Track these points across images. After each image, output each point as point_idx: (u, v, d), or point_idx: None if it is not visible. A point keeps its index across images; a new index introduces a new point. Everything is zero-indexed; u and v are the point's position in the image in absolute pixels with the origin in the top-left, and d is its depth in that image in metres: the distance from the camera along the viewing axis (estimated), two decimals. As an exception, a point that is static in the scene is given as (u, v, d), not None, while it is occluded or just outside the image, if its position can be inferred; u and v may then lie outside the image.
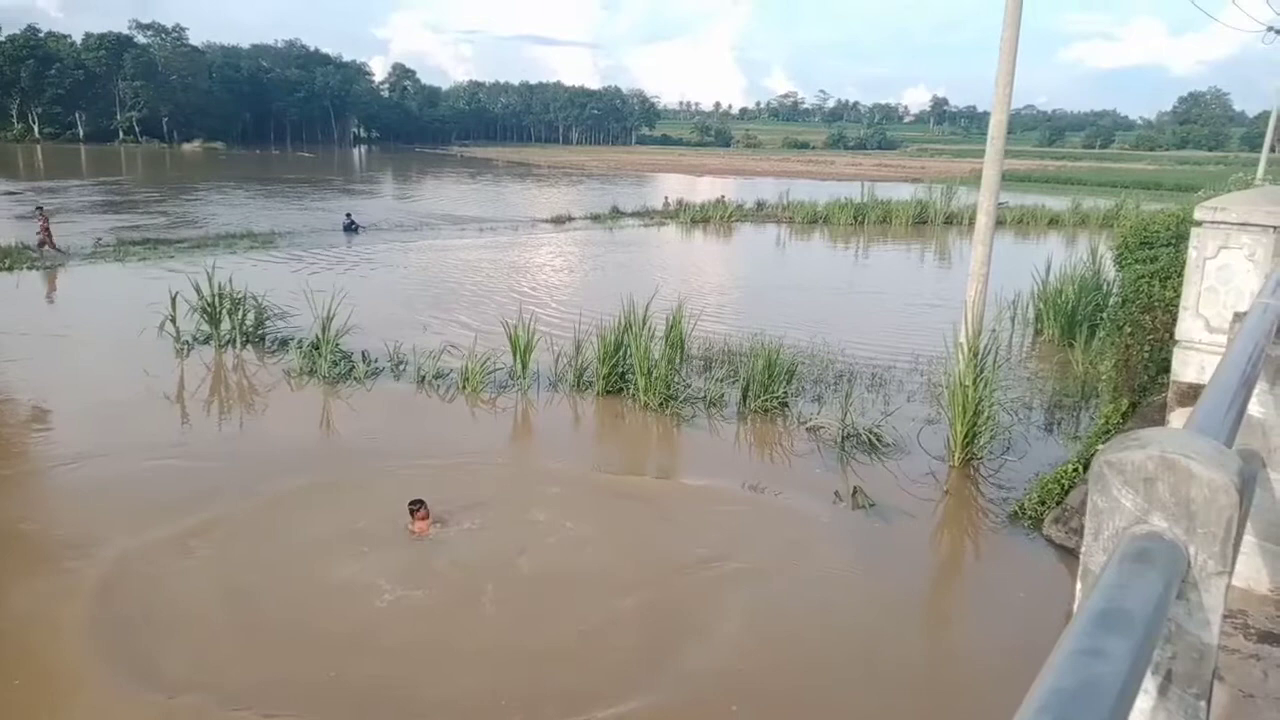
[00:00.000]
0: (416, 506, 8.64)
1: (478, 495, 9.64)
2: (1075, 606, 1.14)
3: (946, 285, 22.41)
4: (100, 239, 26.23)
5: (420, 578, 8.00)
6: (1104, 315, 15.15)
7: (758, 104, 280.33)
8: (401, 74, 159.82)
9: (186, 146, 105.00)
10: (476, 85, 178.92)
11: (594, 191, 55.74)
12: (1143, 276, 10.81)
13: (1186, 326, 4.83)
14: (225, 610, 7.39)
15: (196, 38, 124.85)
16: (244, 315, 15.48)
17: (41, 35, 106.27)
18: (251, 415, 12.62)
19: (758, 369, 12.63)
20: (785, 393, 12.61)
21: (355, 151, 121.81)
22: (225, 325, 15.33)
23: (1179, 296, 4.98)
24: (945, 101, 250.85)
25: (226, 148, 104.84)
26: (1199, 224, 4.72)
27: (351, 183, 61.22)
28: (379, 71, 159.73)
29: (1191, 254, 4.78)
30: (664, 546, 8.83)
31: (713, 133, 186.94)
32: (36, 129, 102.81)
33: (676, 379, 13.06)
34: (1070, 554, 8.36)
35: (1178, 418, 4.90)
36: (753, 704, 6.38)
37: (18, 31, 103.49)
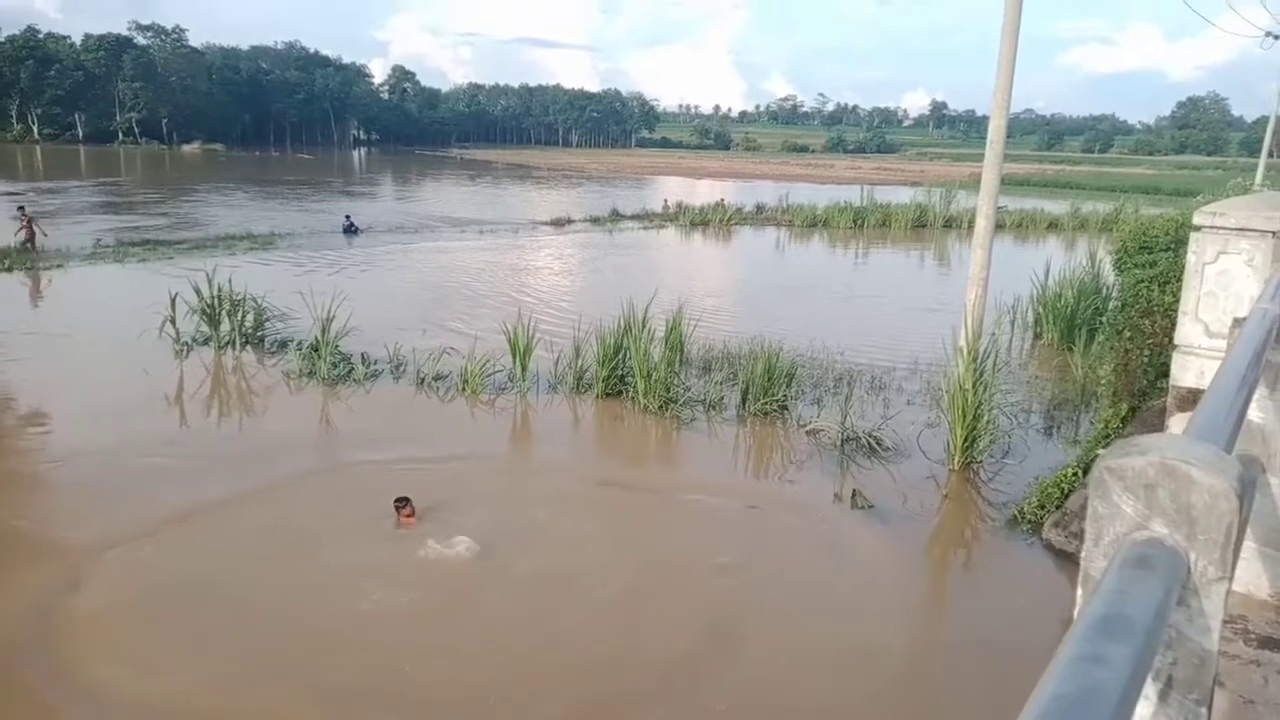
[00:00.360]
0: (402, 504, 8.79)
1: (474, 494, 9.67)
2: (1076, 612, 1.14)
3: (946, 289, 22.43)
4: (100, 240, 26.25)
5: (408, 576, 8.00)
6: (1103, 320, 15.16)
7: (757, 107, 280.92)
8: (401, 76, 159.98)
9: (186, 148, 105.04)
10: (476, 88, 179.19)
11: (593, 194, 55.77)
12: (1142, 281, 10.84)
13: (1185, 331, 4.84)
14: (199, 603, 7.42)
15: (196, 39, 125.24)
16: (243, 317, 15.48)
17: (41, 36, 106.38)
18: (250, 416, 12.62)
19: (757, 372, 12.64)
20: (785, 396, 12.62)
21: (355, 153, 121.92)
22: (225, 327, 15.33)
23: (1178, 301, 4.98)
24: (944, 105, 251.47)
25: (226, 149, 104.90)
26: (1198, 229, 4.72)
27: (351, 185, 61.26)
28: (379, 74, 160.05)
29: (1190, 259, 4.79)
30: (661, 547, 8.83)
31: (712, 136, 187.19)
32: (36, 130, 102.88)
33: (676, 382, 13.06)
34: (1069, 558, 8.36)
35: (1177, 422, 4.90)
36: (746, 704, 6.38)
37: (17, 32, 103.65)
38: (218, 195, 45.98)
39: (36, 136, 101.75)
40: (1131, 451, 1.22)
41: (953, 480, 10.54)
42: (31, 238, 23.80)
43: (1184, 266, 4.92)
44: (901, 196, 45.03)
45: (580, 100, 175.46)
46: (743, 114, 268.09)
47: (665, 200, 43.63)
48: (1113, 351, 11.66)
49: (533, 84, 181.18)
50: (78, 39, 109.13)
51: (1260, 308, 3.01)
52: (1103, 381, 12.04)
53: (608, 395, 13.13)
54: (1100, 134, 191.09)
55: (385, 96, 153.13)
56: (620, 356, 13.25)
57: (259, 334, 15.58)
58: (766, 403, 12.39)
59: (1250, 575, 3.35)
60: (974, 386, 10.58)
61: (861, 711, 6.53)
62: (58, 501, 9.57)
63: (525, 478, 10.75)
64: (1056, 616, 7.52)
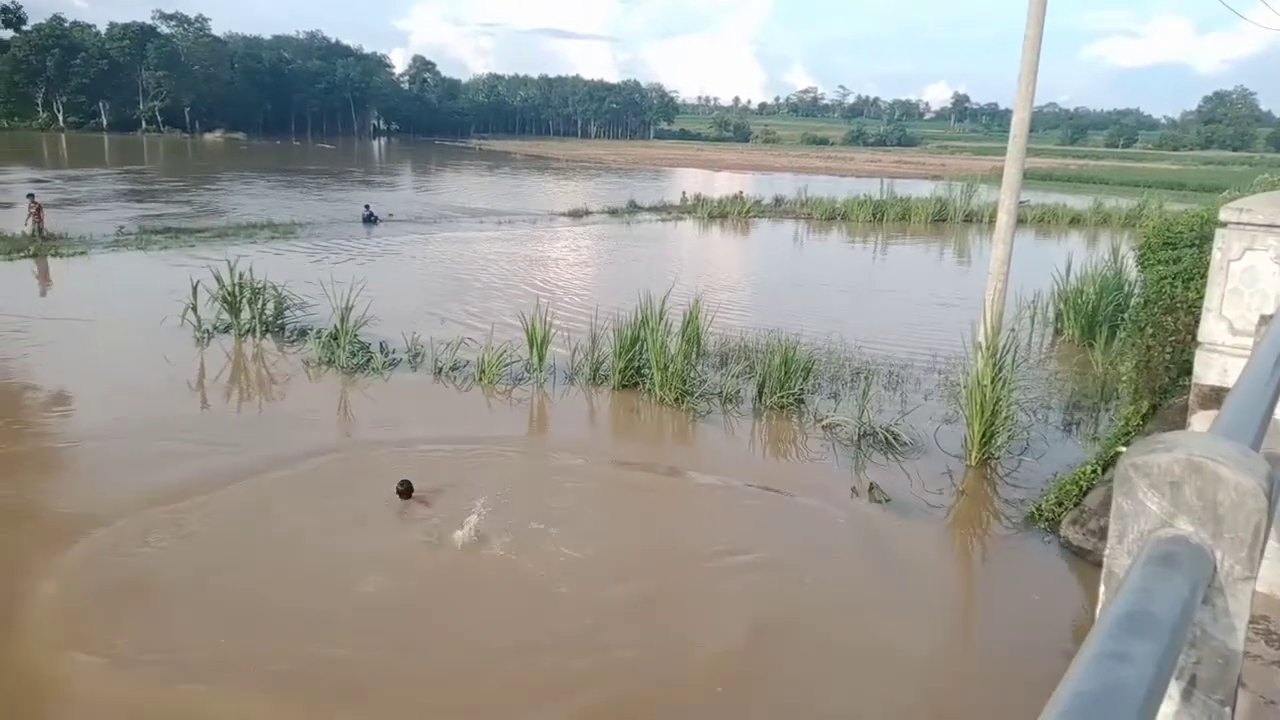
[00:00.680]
0: (404, 487, 9.00)
1: (489, 481, 9.73)
2: (1099, 609, 1.13)
3: (965, 283, 22.27)
4: (122, 227, 26.51)
5: (410, 562, 8.10)
6: (1125, 316, 15.01)
7: (777, 99, 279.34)
8: (421, 66, 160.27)
9: (208, 136, 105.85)
10: (496, 78, 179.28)
11: (611, 185, 55.73)
12: (1165, 277, 10.70)
13: (1209, 329, 4.78)
14: (201, 584, 7.54)
15: (219, 28, 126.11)
16: (264, 305, 15.60)
17: (67, 25, 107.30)
18: (268, 402, 12.74)
19: (774, 365, 12.61)
20: (801, 389, 12.59)
21: (375, 143, 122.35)
22: (245, 314, 15.46)
23: (1202, 298, 4.93)
24: (966, 98, 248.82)
25: (247, 138, 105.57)
26: (1223, 225, 4.67)
27: (371, 174, 61.52)
28: (399, 64, 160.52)
29: (1215, 255, 4.73)
30: (676, 538, 8.85)
31: (731, 128, 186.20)
32: (61, 118, 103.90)
33: (692, 374, 13.05)
34: (1087, 557, 8.30)
35: (1199, 420, 4.85)
36: (759, 698, 6.38)
37: (44, 21, 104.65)
38: (239, 184, 46.30)
39: (61, 124, 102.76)
40: (1158, 448, 1.20)
41: (970, 476, 10.48)
42: (41, 225, 23.95)
43: (1208, 263, 4.86)
44: (922, 190, 44.75)
45: (599, 91, 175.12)
46: (762, 106, 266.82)
47: (683, 192, 43.51)
48: (1134, 348, 11.54)
49: (552, 75, 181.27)
50: (103, 28, 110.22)
51: (1288, 305, 2.97)
52: (1123, 378, 11.93)
53: (624, 387, 13.15)
54: (1125, 129, 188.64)
55: (405, 87, 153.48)
56: (637, 348, 13.25)
57: (279, 322, 15.70)
58: (783, 396, 12.36)
59: (1273, 575, 3.32)
60: (993, 382, 10.51)
61: (878, 706, 6.52)
62: (65, 482, 9.74)
63: (539, 465, 10.78)
64: (1073, 614, 7.48)
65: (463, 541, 8.25)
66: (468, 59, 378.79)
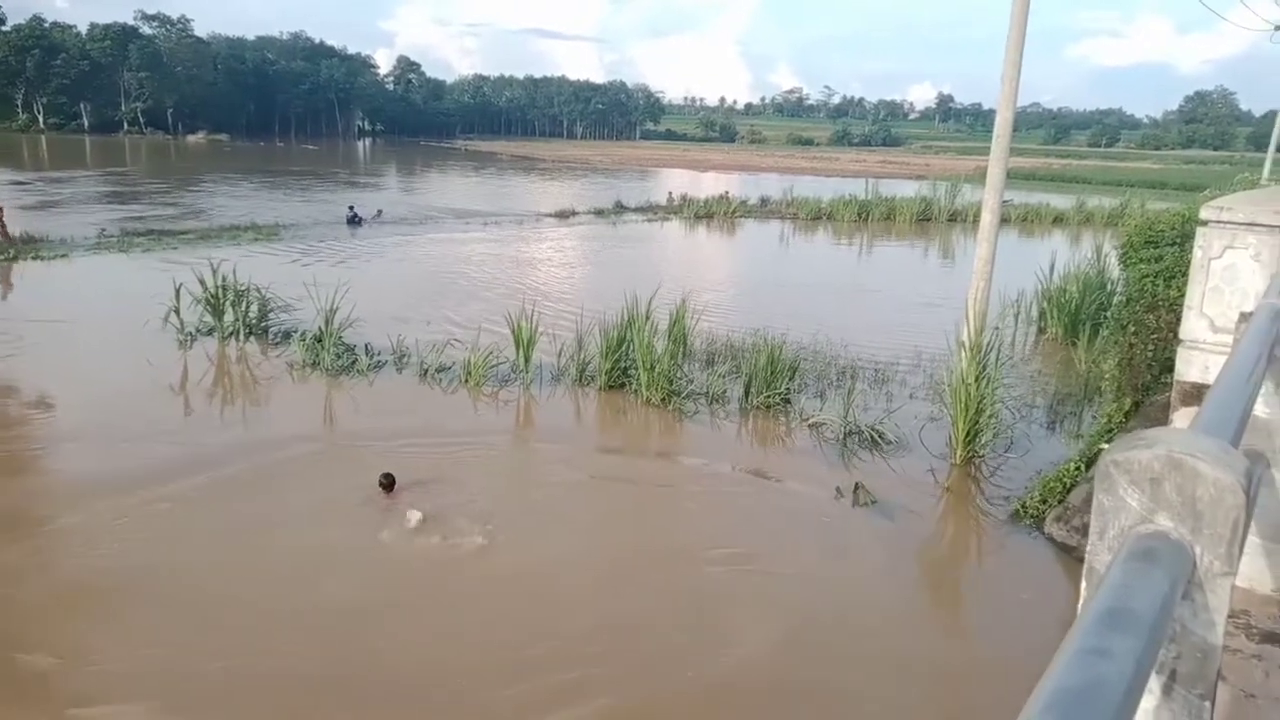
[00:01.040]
0: (386, 480, 9.05)
1: (473, 479, 9.76)
2: (1080, 605, 1.13)
3: (950, 283, 22.38)
4: (104, 230, 26.25)
5: (385, 558, 8.08)
6: (1108, 314, 15.12)
7: (763, 100, 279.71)
8: (406, 67, 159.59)
9: (191, 138, 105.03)
10: (481, 79, 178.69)
11: (598, 186, 55.69)
12: (1147, 276, 10.79)
13: (1191, 326, 4.82)
14: (150, 585, 7.51)
15: (201, 29, 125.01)
16: (247, 307, 15.49)
17: (47, 25, 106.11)
18: (251, 405, 12.64)
19: (760, 365, 12.63)
20: (788, 389, 12.61)
21: (360, 144, 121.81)
22: (229, 317, 15.34)
23: (1183, 296, 4.96)
24: (951, 98, 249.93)
25: (231, 140, 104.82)
26: (1204, 223, 4.70)
27: (356, 175, 61.22)
28: (384, 64, 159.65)
29: (1197, 254, 4.76)
30: (662, 538, 8.84)
31: (717, 128, 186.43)
32: (41, 119, 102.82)
33: (679, 374, 13.06)
34: (1071, 553, 8.36)
35: (1181, 417, 4.89)
36: (741, 696, 6.39)
37: (23, 21, 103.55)
38: (223, 185, 45.98)
39: (42, 126, 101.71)
40: (1138, 444, 1.21)
41: (955, 474, 10.53)
42: (4, 229, 23.54)
43: (1190, 261, 4.90)
44: (906, 190, 44.92)
45: (585, 92, 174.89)
46: (748, 106, 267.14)
47: (670, 193, 43.53)
48: (1117, 346, 11.63)
49: (538, 75, 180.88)
50: (83, 28, 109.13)
51: (1268, 303, 2.99)
52: (1106, 376, 12.02)
53: (611, 387, 13.14)
54: (1107, 128, 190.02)
55: (390, 87, 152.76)
56: (623, 349, 13.25)
57: (263, 325, 15.60)
58: (769, 396, 12.38)
59: (1253, 570, 3.35)
60: (977, 380, 10.57)
61: (863, 703, 6.53)
62: (37, 484, 9.67)
63: (525, 466, 10.77)
64: (1058, 610, 7.53)
65: (441, 539, 8.24)
66: (453, 59, 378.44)
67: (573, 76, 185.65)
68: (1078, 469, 9.66)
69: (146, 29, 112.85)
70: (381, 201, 37.62)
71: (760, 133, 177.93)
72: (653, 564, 8.33)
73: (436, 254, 25.99)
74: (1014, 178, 46.13)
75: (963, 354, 11.00)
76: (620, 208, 39.76)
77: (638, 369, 12.94)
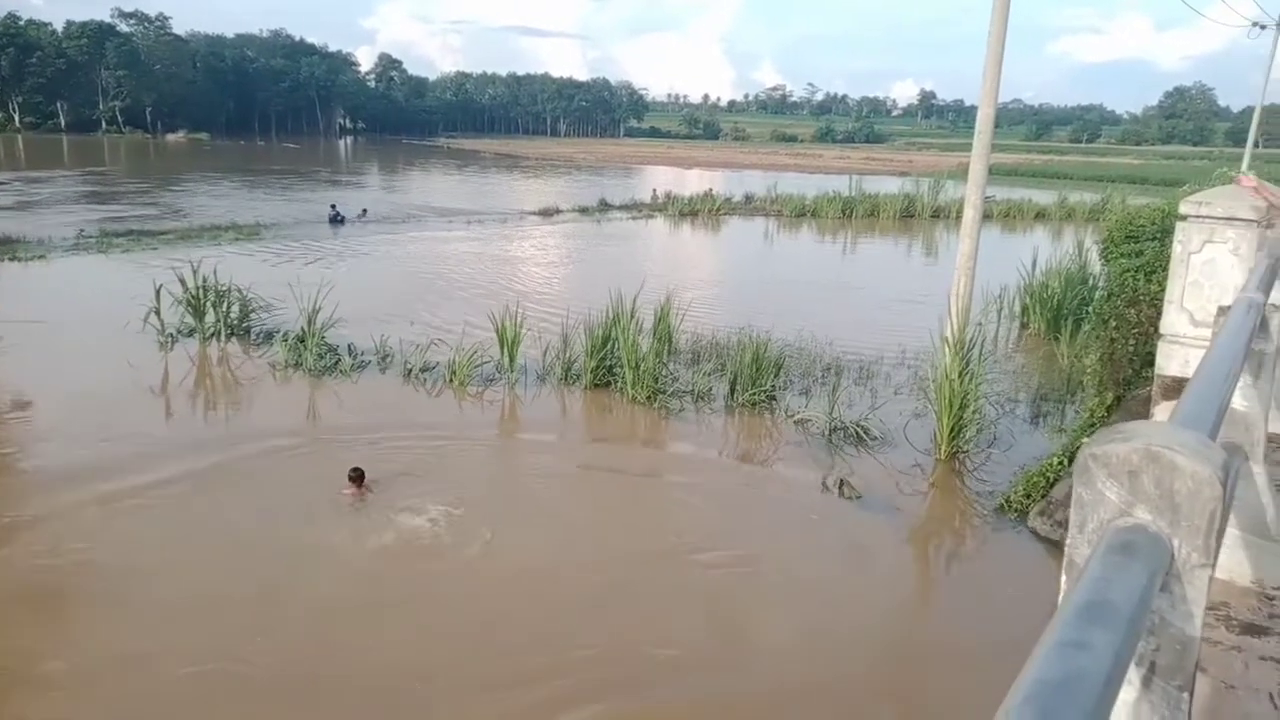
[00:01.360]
0: (355, 474, 9.04)
1: (453, 475, 9.72)
2: (1060, 598, 1.14)
3: (933, 279, 22.47)
4: (83, 230, 25.97)
5: (363, 555, 8.04)
6: (1089, 309, 15.24)
7: (746, 97, 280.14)
8: (388, 64, 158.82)
9: (171, 137, 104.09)
10: (464, 76, 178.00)
11: (581, 184, 55.59)
12: (1128, 270, 10.89)
13: (1171, 320, 4.86)
14: (120, 586, 7.46)
15: (180, 26, 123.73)
16: (229, 308, 15.36)
17: (22, 23, 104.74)
18: (232, 406, 12.54)
19: (745, 362, 12.64)
20: (773, 386, 12.64)
21: (341, 142, 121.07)
22: (210, 318, 15.21)
23: (1164, 290, 5.01)
24: (933, 95, 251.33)
25: (211, 138, 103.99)
26: (1184, 218, 4.74)
27: (337, 174, 60.85)
28: (365, 62, 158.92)
29: (1176, 248, 4.81)
30: (647, 534, 8.84)
31: (701, 125, 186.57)
32: (17, 118, 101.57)
33: (664, 372, 13.06)
34: (1056, 546, 8.43)
35: (1162, 411, 4.93)
36: (729, 692, 6.40)
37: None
38: (203, 185, 45.59)
39: (18, 125, 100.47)
40: (1116, 438, 1.22)
41: (939, 469, 10.58)
42: None
43: (1170, 256, 4.94)
44: (890, 186, 45.09)
45: (568, 89, 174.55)
46: (731, 103, 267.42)
47: (654, 190, 43.50)
48: (1098, 341, 11.72)
49: (521, 73, 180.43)
50: (59, 26, 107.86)
51: (1245, 296, 3.02)
52: (1088, 370, 12.11)
53: (596, 386, 13.12)
54: (1088, 124, 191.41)
55: (372, 85, 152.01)
56: (609, 347, 13.24)
57: (244, 325, 15.47)
58: (755, 393, 12.40)
59: (1232, 562, 3.38)
60: (960, 376, 10.62)
61: (850, 696, 6.56)
62: (4, 483, 9.60)
63: (509, 465, 10.75)
64: (1042, 604, 7.57)
65: (416, 533, 8.22)
66: (435, 57, 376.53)
67: (556, 74, 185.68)
68: (1060, 463, 9.73)
69: (124, 26, 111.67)
70: (364, 200, 37.43)
71: (744, 130, 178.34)
72: (639, 560, 8.32)
73: (419, 253, 25.87)
74: (996, 174, 46.38)
75: (946, 350, 11.06)
76: (604, 205, 39.70)
77: (623, 367, 12.93)
